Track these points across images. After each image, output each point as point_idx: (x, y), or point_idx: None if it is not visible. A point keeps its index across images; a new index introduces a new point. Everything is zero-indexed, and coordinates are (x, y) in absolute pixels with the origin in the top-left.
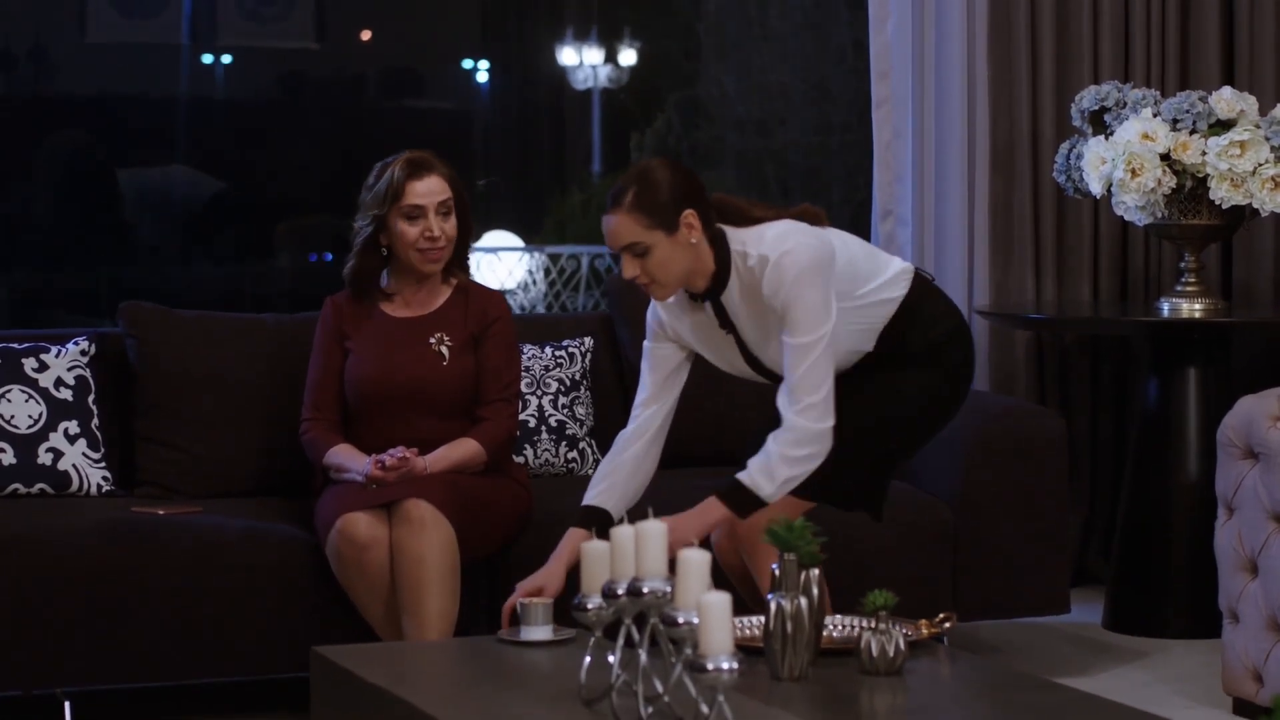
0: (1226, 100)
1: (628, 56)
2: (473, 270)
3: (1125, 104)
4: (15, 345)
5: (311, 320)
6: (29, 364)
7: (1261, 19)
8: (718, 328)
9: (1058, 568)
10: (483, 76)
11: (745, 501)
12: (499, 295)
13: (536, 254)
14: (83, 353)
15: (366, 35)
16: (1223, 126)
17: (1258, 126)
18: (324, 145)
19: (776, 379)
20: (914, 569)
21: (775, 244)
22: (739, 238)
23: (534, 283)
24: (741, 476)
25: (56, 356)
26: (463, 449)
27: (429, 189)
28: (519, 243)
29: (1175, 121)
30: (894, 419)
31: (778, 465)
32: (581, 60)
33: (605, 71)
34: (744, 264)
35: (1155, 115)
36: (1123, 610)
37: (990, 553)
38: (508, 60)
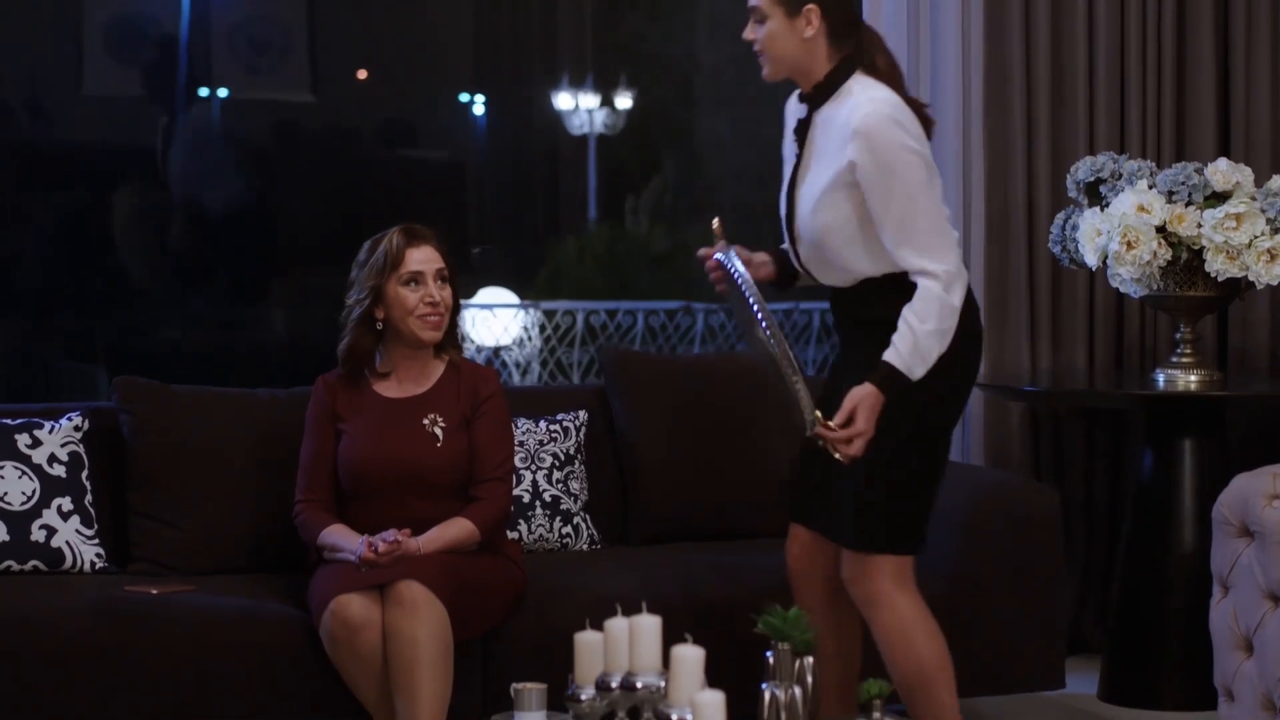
0: (1222, 172)
1: (624, 100)
2: (468, 326)
3: (1121, 175)
4: (9, 421)
5: (304, 395)
6: (22, 440)
7: (1257, 89)
8: (794, 145)
9: (1053, 642)
10: (478, 124)
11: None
12: (492, 372)
13: (531, 310)
14: (76, 428)
15: (363, 74)
16: (1218, 198)
17: (1253, 199)
18: (319, 194)
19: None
20: None
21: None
22: (863, 81)
23: (529, 339)
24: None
25: (50, 432)
26: (456, 529)
27: (427, 256)
28: (514, 299)
29: (1171, 193)
30: (898, 441)
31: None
32: (577, 105)
33: (601, 116)
34: (850, 90)
35: (1151, 187)
36: (1118, 683)
37: (985, 628)
38: (502, 109)
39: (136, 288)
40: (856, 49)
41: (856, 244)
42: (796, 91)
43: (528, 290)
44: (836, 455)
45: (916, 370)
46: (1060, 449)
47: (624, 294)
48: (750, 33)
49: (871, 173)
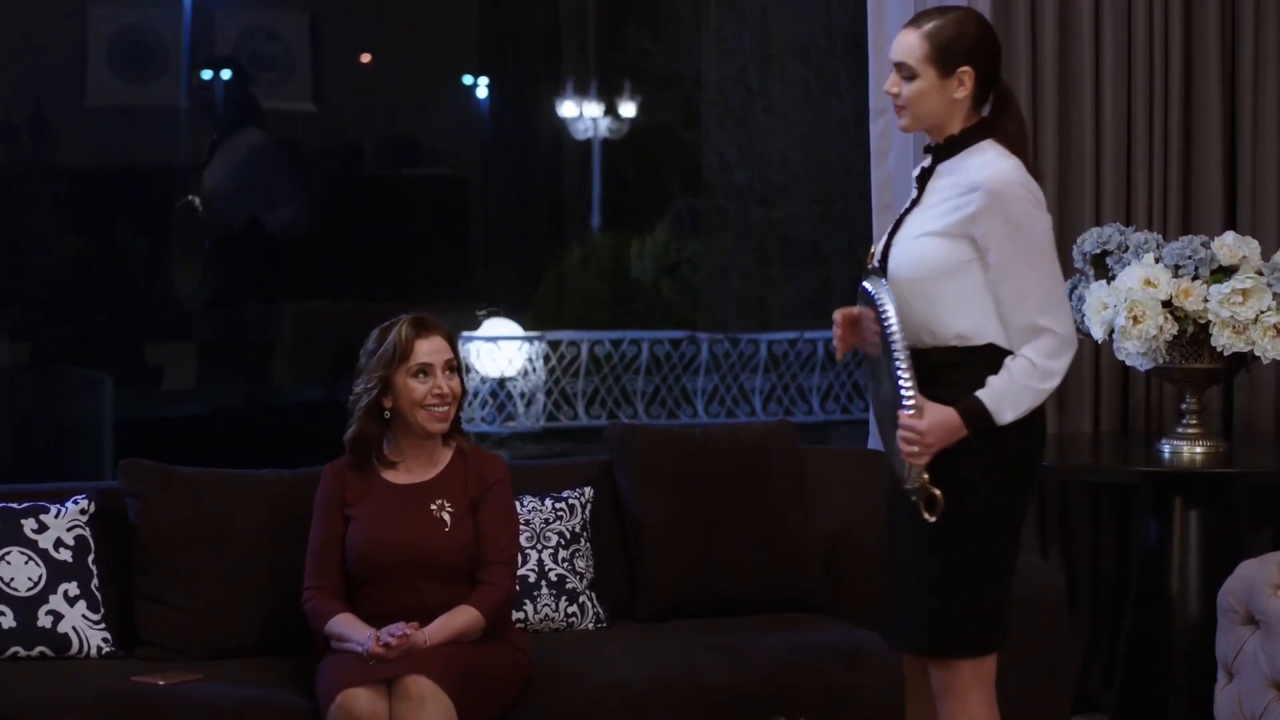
0: (1229, 246)
1: (628, 109)
2: (472, 359)
3: (1127, 247)
4: (15, 505)
5: (310, 475)
6: (28, 525)
7: (1264, 161)
8: (914, 186)
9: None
10: (481, 134)
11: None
12: (497, 458)
13: (537, 342)
14: (82, 511)
15: (367, 58)
16: (1225, 272)
17: (1260, 273)
18: (321, 209)
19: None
20: None
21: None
22: (996, 147)
23: (533, 370)
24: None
25: (56, 516)
26: (462, 618)
27: (435, 348)
28: (518, 330)
29: (1177, 267)
30: (963, 539)
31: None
32: (581, 113)
33: (606, 123)
34: (980, 150)
35: (1157, 260)
36: None
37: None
38: (506, 118)
39: (142, 307)
40: (993, 112)
41: (946, 297)
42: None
43: (530, 306)
44: (928, 516)
45: (1005, 413)
46: (1066, 516)
47: (629, 305)
48: (894, 86)
49: (999, 229)
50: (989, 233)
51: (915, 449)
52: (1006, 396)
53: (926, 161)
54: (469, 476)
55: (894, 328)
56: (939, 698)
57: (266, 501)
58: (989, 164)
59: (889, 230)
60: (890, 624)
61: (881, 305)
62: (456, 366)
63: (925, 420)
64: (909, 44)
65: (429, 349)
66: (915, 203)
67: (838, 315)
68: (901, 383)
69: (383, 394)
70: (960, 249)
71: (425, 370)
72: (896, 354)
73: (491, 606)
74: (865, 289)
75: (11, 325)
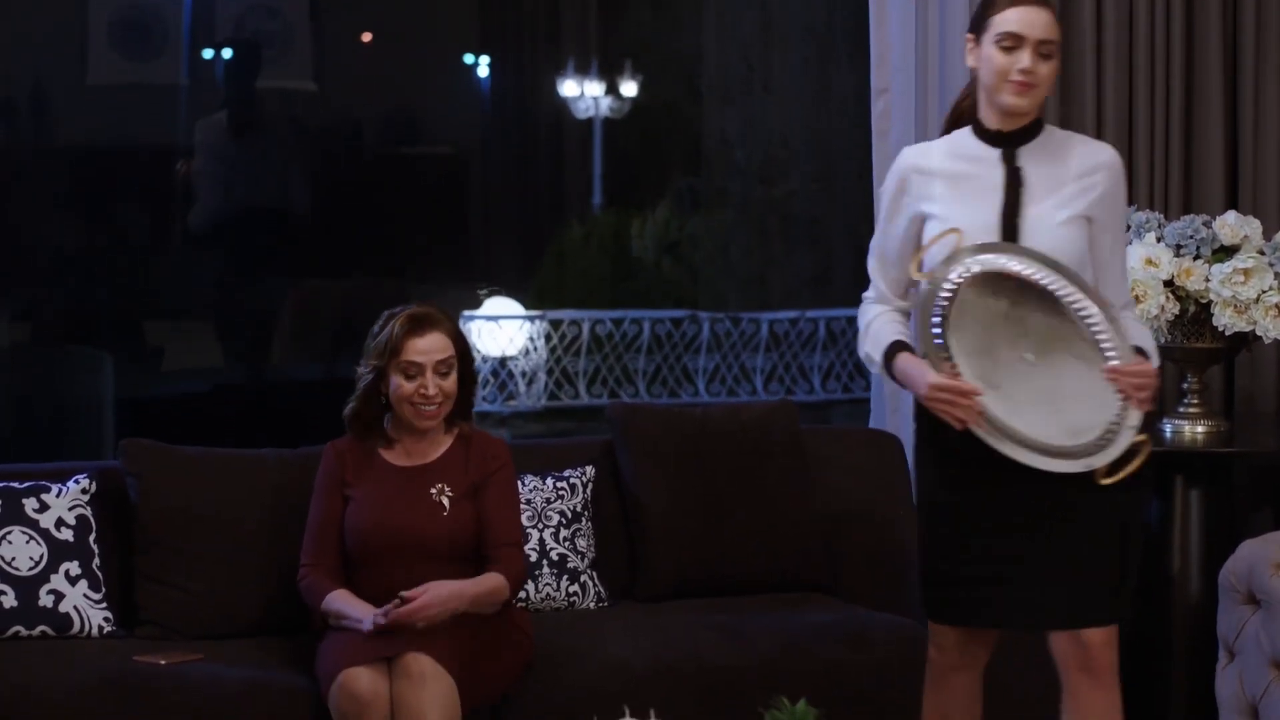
0: (1230, 225)
1: (629, 88)
2: (474, 338)
3: (1129, 227)
4: (16, 485)
5: (311, 455)
6: (30, 504)
7: (1265, 140)
8: (995, 178)
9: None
10: (482, 111)
11: None
12: (500, 443)
13: (538, 321)
14: (83, 491)
15: (368, 37)
16: (1226, 251)
17: (1262, 253)
18: (322, 188)
19: (1011, 249)
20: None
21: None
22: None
23: (535, 349)
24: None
25: (57, 496)
26: (490, 581)
27: (429, 346)
28: (519, 309)
29: (1179, 247)
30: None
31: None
32: (583, 92)
33: (607, 102)
34: (1065, 135)
35: (1159, 240)
36: None
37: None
38: (506, 96)
39: (140, 284)
40: None
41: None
42: (912, 146)
43: (531, 285)
44: (1104, 480)
45: (1155, 361)
46: None
47: (630, 284)
48: (1035, 64)
49: (1115, 207)
50: (1110, 211)
51: (1147, 393)
52: (1151, 349)
53: (979, 149)
54: (470, 460)
55: (1066, 287)
56: (1107, 676)
57: (267, 481)
58: (1097, 144)
59: (1003, 215)
60: (1032, 609)
61: (1032, 273)
62: (456, 364)
63: (1149, 365)
64: (1050, 23)
65: (422, 347)
66: (1018, 187)
67: (940, 383)
68: (1102, 336)
69: (378, 380)
70: (1086, 230)
71: (414, 369)
72: (1083, 310)
73: (514, 578)
74: (1002, 263)
75: (11, 304)
